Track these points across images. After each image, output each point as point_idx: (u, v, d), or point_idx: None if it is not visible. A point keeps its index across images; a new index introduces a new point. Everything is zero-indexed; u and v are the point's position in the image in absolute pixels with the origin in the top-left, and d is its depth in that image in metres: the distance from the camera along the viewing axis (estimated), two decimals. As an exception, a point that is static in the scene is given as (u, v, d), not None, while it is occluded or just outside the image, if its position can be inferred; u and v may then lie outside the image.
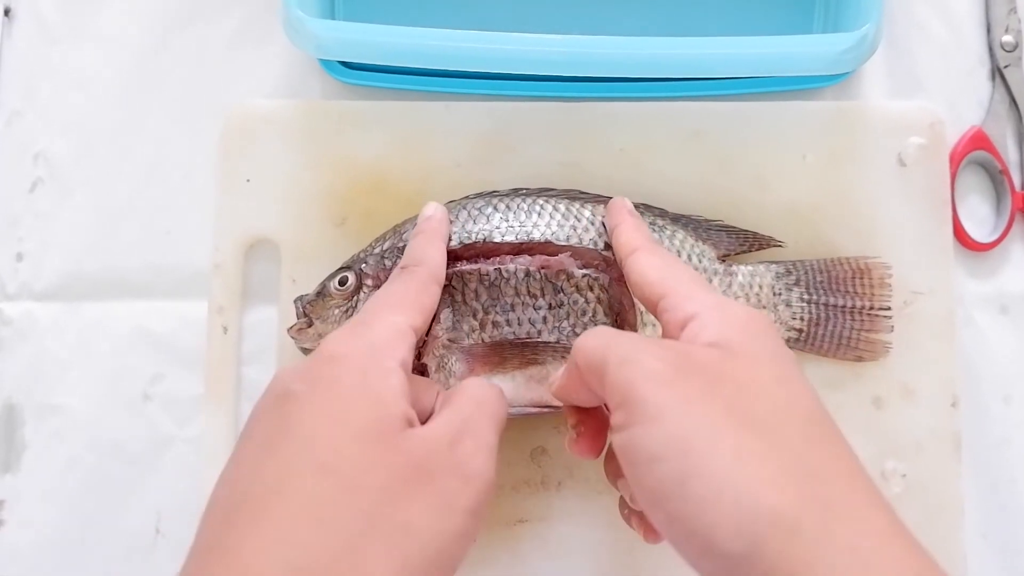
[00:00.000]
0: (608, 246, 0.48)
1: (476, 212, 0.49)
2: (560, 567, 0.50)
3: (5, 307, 0.55)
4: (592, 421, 0.42)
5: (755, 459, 0.32)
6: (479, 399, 0.38)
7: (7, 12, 0.58)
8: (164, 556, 0.52)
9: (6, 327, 0.54)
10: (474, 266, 0.47)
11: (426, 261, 0.44)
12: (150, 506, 0.53)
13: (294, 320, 0.49)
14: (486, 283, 0.47)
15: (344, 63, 0.55)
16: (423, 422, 0.38)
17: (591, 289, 0.47)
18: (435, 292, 0.43)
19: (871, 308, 0.51)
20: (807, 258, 0.52)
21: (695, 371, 0.34)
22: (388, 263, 0.48)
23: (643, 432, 0.33)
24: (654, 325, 0.48)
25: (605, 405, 0.39)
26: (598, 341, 0.37)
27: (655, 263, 0.42)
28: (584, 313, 0.47)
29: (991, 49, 0.57)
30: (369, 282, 0.47)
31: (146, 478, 0.53)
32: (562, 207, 0.49)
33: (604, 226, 0.49)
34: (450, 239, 0.47)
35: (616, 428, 0.35)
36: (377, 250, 0.49)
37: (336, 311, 0.47)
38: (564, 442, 0.43)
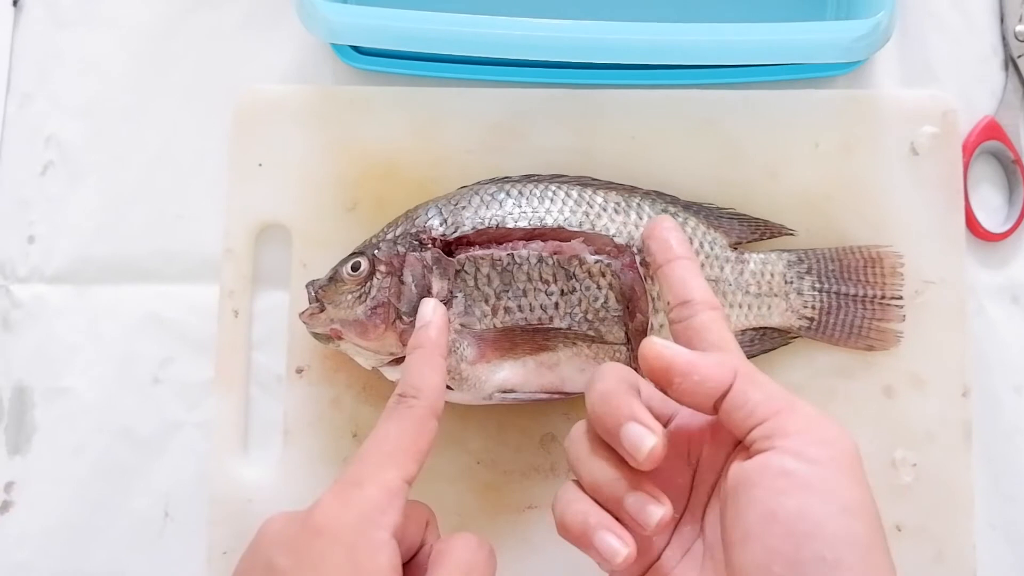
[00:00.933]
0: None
1: (489, 198, 0.49)
2: (568, 553, 0.50)
3: (16, 290, 0.55)
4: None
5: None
6: (468, 568, 0.37)
7: (15, 1, 0.58)
8: (173, 540, 0.52)
9: (17, 310, 0.55)
10: (486, 251, 0.47)
11: (424, 391, 0.40)
12: (159, 490, 0.53)
13: (305, 305, 0.49)
14: (498, 269, 0.47)
15: (356, 48, 0.55)
16: (412, 557, 0.38)
17: (603, 275, 0.47)
18: (433, 429, 0.40)
19: (883, 297, 0.51)
20: (819, 247, 0.51)
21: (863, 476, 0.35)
22: (401, 249, 0.48)
23: (813, 496, 0.34)
24: (665, 312, 0.48)
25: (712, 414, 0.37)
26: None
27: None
28: (596, 299, 0.47)
29: (1004, 38, 0.57)
30: (382, 268, 0.47)
31: (155, 462, 0.53)
32: (575, 193, 0.49)
33: (616, 212, 0.49)
34: (463, 224, 0.47)
35: (778, 449, 0.35)
36: (390, 235, 0.48)
37: (349, 296, 0.47)
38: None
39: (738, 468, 0.35)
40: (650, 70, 0.54)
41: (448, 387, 0.47)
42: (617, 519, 0.37)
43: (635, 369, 0.47)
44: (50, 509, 0.53)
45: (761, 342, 0.50)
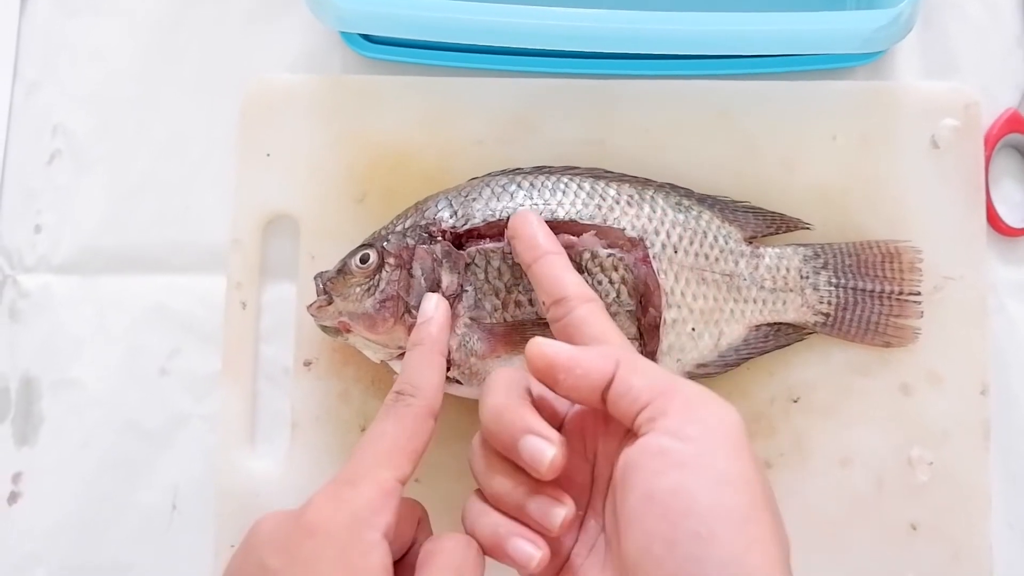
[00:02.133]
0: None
1: (500, 190, 0.48)
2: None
3: (23, 280, 0.55)
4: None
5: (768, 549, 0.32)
6: (458, 567, 0.36)
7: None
8: (180, 532, 0.52)
9: (24, 300, 0.54)
10: (497, 244, 0.47)
11: (422, 389, 0.40)
12: (167, 481, 0.53)
13: (313, 297, 0.48)
14: (509, 262, 0.46)
15: (366, 36, 0.54)
16: (403, 556, 0.38)
17: (616, 269, 0.47)
18: (430, 428, 0.40)
19: (900, 293, 0.50)
20: (836, 241, 0.51)
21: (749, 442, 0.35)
22: (410, 241, 0.47)
23: (686, 473, 0.33)
24: (678, 307, 0.48)
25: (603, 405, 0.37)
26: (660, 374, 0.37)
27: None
28: (608, 294, 0.47)
29: (1028, 30, 0.56)
30: (391, 260, 0.47)
31: (163, 453, 0.53)
32: (587, 186, 0.48)
33: (629, 204, 0.48)
34: (473, 216, 0.47)
35: (656, 430, 0.34)
36: (399, 228, 0.48)
37: (357, 289, 0.47)
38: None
39: (624, 455, 0.35)
40: (665, 60, 0.53)
41: (457, 381, 0.46)
42: (525, 524, 0.37)
43: None
44: (58, 500, 0.53)
45: (776, 338, 0.50)
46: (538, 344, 0.38)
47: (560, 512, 0.36)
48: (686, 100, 0.53)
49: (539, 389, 0.39)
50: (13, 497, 0.53)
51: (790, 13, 0.49)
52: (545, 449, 0.36)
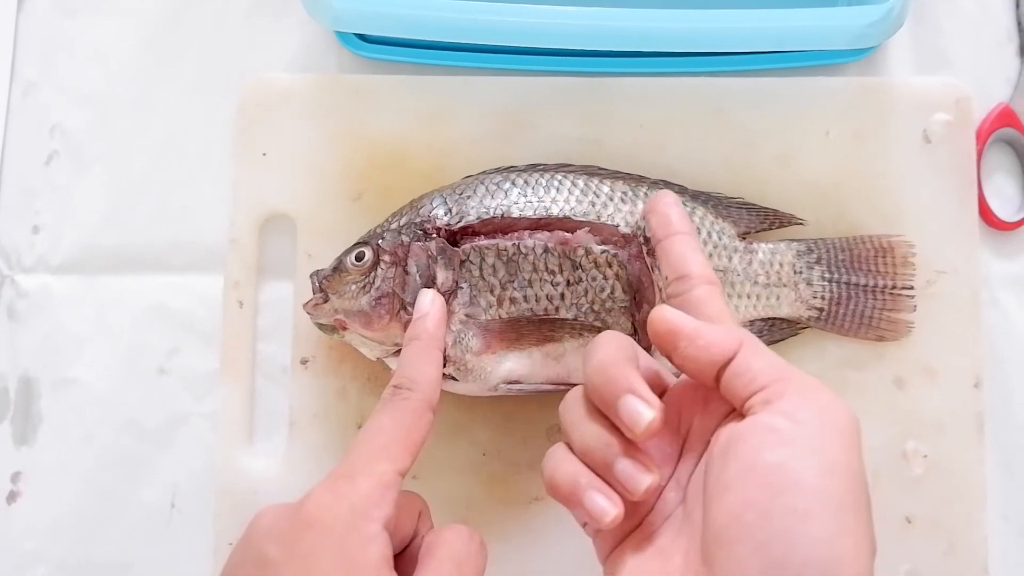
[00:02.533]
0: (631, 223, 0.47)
1: (494, 187, 0.48)
2: (575, 545, 0.50)
3: (22, 280, 0.55)
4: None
5: (860, 542, 0.32)
6: (459, 559, 0.37)
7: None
8: (179, 530, 0.52)
9: (23, 300, 0.55)
10: (492, 241, 0.47)
11: (420, 383, 0.41)
12: (166, 480, 0.53)
13: (310, 295, 0.48)
14: (504, 259, 0.46)
15: (361, 36, 0.54)
16: (404, 548, 0.38)
17: (610, 266, 0.47)
18: (428, 422, 0.40)
19: (894, 287, 0.50)
20: (829, 236, 0.51)
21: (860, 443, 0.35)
22: (405, 239, 0.47)
23: (795, 451, 0.33)
24: (673, 303, 0.48)
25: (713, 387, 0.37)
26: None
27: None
28: (603, 290, 0.47)
29: (1020, 24, 0.56)
30: (386, 258, 0.47)
31: (162, 452, 0.53)
32: (581, 183, 0.49)
33: (623, 201, 0.48)
34: (468, 214, 0.47)
35: (770, 410, 0.34)
36: (394, 225, 0.48)
37: (353, 287, 0.47)
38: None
39: (728, 429, 0.35)
40: (659, 58, 0.53)
41: (453, 378, 0.47)
42: (606, 482, 0.37)
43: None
44: (57, 499, 0.53)
45: (770, 333, 0.50)
46: (664, 310, 0.38)
47: (646, 479, 0.36)
48: (680, 97, 0.53)
49: (645, 363, 0.39)
50: (12, 496, 0.53)
51: (783, 10, 0.49)
52: (644, 412, 0.36)
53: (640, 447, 0.37)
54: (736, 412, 0.36)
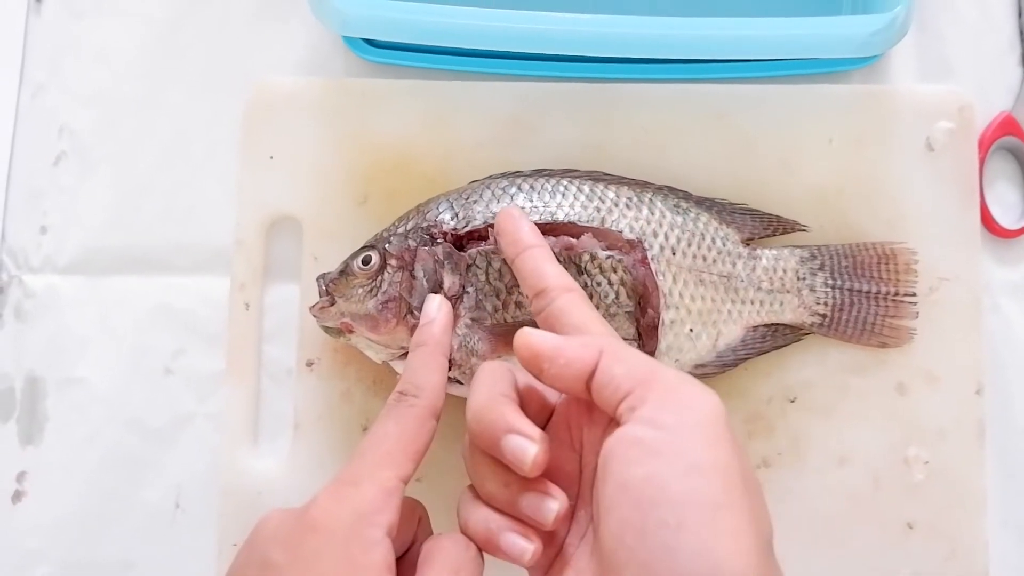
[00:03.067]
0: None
1: (500, 192, 0.48)
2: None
3: (28, 280, 0.55)
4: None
5: (742, 537, 0.32)
6: (456, 567, 0.37)
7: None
8: (183, 531, 0.53)
9: (29, 300, 0.55)
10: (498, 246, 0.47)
11: (425, 390, 0.41)
12: (170, 481, 0.53)
13: (316, 298, 0.49)
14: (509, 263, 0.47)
15: (368, 40, 0.55)
16: (404, 554, 0.38)
17: (615, 271, 0.47)
18: (431, 429, 0.40)
19: (896, 294, 0.51)
20: (832, 243, 0.51)
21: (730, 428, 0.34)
22: (412, 243, 0.47)
23: (660, 461, 0.33)
24: (676, 308, 0.48)
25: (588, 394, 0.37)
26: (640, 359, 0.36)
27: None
28: (607, 295, 0.47)
29: (1022, 34, 0.56)
30: (393, 262, 0.47)
31: (166, 453, 0.53)
32: (586, 188, 0.49)
33: (628, 207, 0.48)
34: (474, 218, 0.47)
35: (633, 420, 0.34)
36: (400, 229, 0.48)
37: (360, 290, 0.47)
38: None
39: (604, 444, 0.35)
40: (663, 64, 0.54)
41: (458, 381, 0.47)
42: (517, 518, 0.37)
43: None
44: (62, 499, 0.53)
45: (773, 338, 0.50)
46: (524, 334, 0.38)
47: (553, 506, 0.36)
48: (684, 103, 0.53)
49: (526, 379, 0.39)
50: (18, 496, 0.53)
51: (787, 18, 0.50)
52: (527, 447, 0.36)
53: (539, 476, 0.37)
54: (614, 421, 0.36)
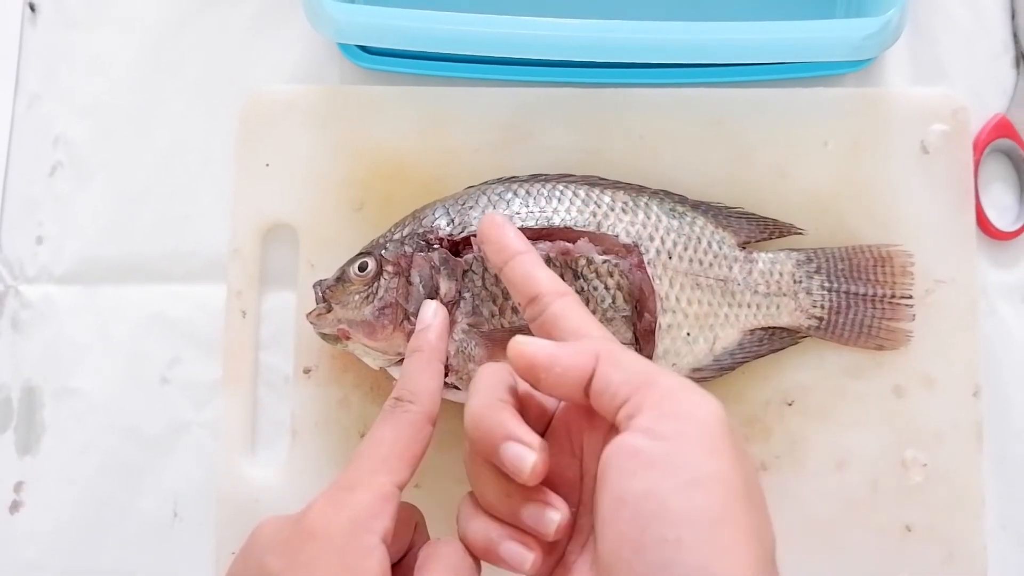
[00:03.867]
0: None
1: (496, 198, 0.48)
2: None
3: (24, 290, 0.55)
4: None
5: (744, 552, 0.31)
6: (454, 573, 0.36)
7: (32, 8, 0.58)
8: (181, 539, 0.53)
9: (25, 310, 0.55)
10: (494, 251, 0.47)
11: (421, 396, 0.40)
12: (167, 489, 0.53)
13: (312, 305, 0.49)
14: (506, 268, 0.47)
15: (363, 48, 0.55)
16: (401, 559, 0.38)
17: (611, 275, 0.47)
18: (427, 435, 0.39)
19: (892, 296, 0.51)
20: (828, 246, 0.51)
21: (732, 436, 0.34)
22: (408, 249, 0.48)
23: (658, 474, 0.32)
24: (673, 312, 0.48)
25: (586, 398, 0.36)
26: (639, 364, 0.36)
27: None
28: (604, 300, 0.47)
29: (1016, 36, 0.57)
30: (389, 268, 0.47)
31: (163, 461, 0.53)
32: (582, 193, 0.49)
33: (624, 211, 0.49)
34: (470, 224, 0.47)
35: (631, 428, 0.34)
36: (397, 236, 0.48)
37: (356, 297, 0.47)
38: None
39: (602, 453, 0.35)
40: (659, 69, 0.54)
41: (455, 387, 0.47)
42: (517, 527, 0.36)
43: None
44: (59, 508, 0.53)
45: (770, 342, 0.50)
46: (517, 343, 0.36)
47: (555, 517, 0.35)
48: (680, 108, 0.54)
49: (525, 385, 0.38)
50: (15, 506, 0.53)
51: (782, 22, 0.50)
52: (525, 456, 0.35)
53: (540, 486, 0.36)
54: (613, 427, 0.35)
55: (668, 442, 0.33)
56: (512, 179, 0.50)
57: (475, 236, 0.47)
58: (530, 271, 0.41)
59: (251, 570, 0.37)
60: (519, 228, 0.47)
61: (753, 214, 0.51)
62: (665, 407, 0.34)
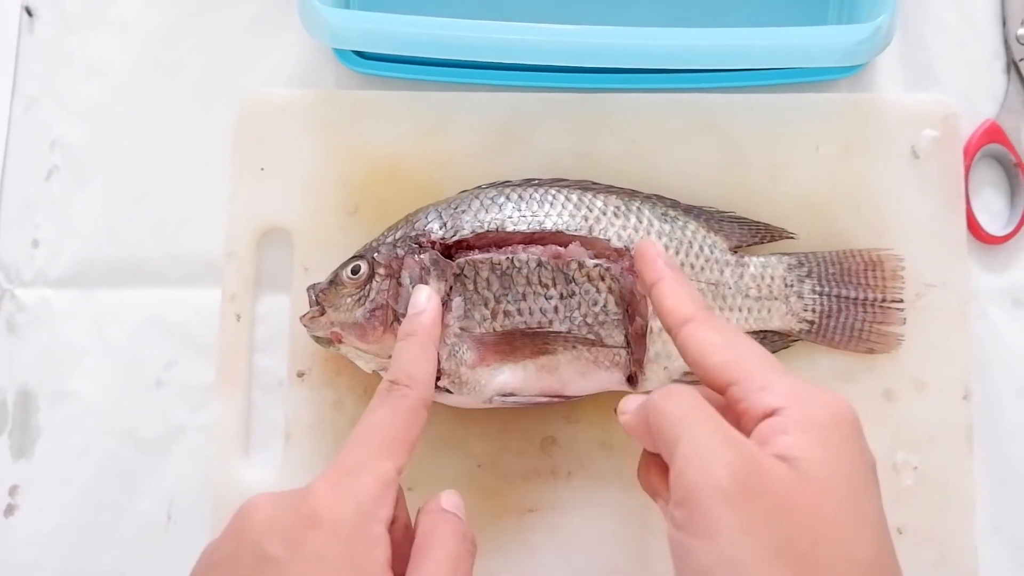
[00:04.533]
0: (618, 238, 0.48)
1: (489, 202, 0.49)
2: (569, 556, 0.50)
3: (21, 293, 0.55)
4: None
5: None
6: (456, 559, 0.37)
7: (29, 12, 0.58)
8: (176, 542, 0.53)
9: (21, 313, 0.55)
10: (486, 255, 0.47)
11: (416, 380, 0.40)
12: (163, 492, 0.53)
13: (306, 308, 0.49)
14: (498, 272, 0.47)
15: (358, 53, 0.55)
16: (396, 540, 0.37)
17: (602, 279, 0.48)
18: (423, 419, 0.40)
19: (883, 300, 0.51)
20: (819, 250, 0.52)
21: (762, 493, 0.33)
22: (400, 252, 0.48)
23: (698, 545, 0.33)
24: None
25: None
26: (676, 411, 0.36)
27: (717, 341, 0.38)
28: (595, 303, 0.47)
29: (1006, 42, 0.57)
30: (382, 271, 0.47)
31: (159, 464, 0.53)
32: (574, 197, 0.49)
33: (616, 216, 0.49)
34: (463, 228, 0.48)
35: (673, 522, 0.34)
36: (390, 239, 0.49)
37: (349, 299, 0.47)
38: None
39: (672, 533, 0.35)
40: (652, 74, 0.54)
41: (447, 391, 0.47)
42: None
43: (633, 372, 0.48)
44: (55, 512, 0.53)
45: (762, 345, 0.50)
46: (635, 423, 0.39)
47: None
48: (673, 113, 0.54)
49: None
50: (10, 510, 0.53)
51: (774, 28, 0.50)
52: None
53: None
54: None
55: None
56: (505, 183, 0.51)
57: (467, 240, 0.48)
58: (680, 291, 0.42)
59: (247, 555, 0.36)
60: (511, 232, 0.48)
61: (745, 218, 0.52)
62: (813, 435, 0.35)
